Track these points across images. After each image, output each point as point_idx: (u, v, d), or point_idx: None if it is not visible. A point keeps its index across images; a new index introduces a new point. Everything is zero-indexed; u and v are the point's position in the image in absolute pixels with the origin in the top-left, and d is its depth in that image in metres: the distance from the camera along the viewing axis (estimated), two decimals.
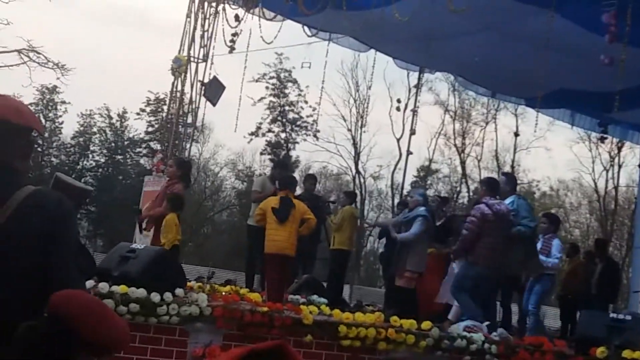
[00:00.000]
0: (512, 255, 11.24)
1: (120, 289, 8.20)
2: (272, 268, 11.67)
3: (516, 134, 41.05)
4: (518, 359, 9.86)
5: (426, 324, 10.01)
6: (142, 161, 48.08)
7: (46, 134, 47.40)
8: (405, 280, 11.94)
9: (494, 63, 14.36)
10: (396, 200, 41.25)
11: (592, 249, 16.18)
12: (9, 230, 2.62)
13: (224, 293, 10.43)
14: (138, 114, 48.60)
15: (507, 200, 11.33)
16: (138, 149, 50.09)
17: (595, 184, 44.21)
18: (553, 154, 64.14)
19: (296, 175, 35.97)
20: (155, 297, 8.32)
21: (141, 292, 8.25)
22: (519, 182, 44.84)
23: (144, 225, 12.04)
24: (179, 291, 8.61)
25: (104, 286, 8.12)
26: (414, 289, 11.97)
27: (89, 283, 7.91)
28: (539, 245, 12.34)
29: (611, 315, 10.09)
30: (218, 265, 38.33)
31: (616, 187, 42.87)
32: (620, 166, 41.85)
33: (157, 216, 11.45)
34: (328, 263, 15.18)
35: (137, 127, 49.68)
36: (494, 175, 36.58)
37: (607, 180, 43.31)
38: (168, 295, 8.41)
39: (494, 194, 11.15)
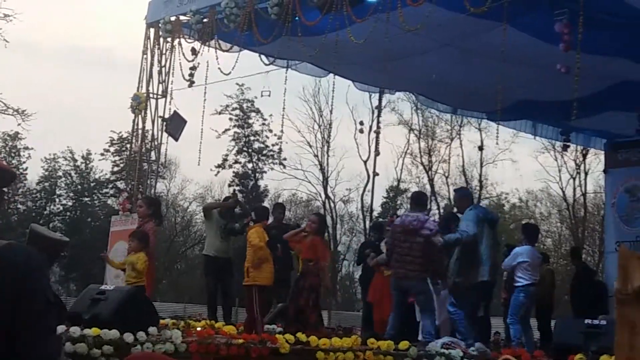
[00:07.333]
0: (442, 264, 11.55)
1: (92, 331, 8.12)
2: (263, 300, 11.89)
3: (480, 148, 41.24)
4: None
5: (403, 344, 10.00)
6: (109, 202, 47.80)
7: None
8: None
9: (452, 79, 14.44)
10: (367, 223, 41.31)
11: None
12: None
13: (198, 328, 10.37)
14: (102, 154, 48.48)
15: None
16: (105, 190, 49.84)
17: (564, 192, 44.54)
18: (519, 165, 64.36)
19: (266, 204, 35.95)
20: (129, 337, 8.24)
21: (114, 333, 8.18)
22: (487, 195, 45.16)
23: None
24: (152, 329, 8.53)
25: (75, 330, 8.03)
26: None
27: (60, 328, 7.81)
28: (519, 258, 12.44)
29: (586, 321, 10.09)
30: (194, 301, 38.08)
31: (584, 194, 43.18)
32: (586, 173, 42.22)
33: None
34: None
35: (103, 167, 49.54)
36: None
37: (574, 188, 43.66)
38: (141, 335, 8.34)
39: (418, 208, 11.77)
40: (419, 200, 12.24)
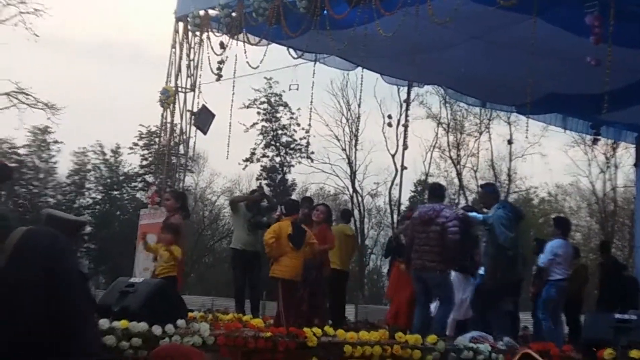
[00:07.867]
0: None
1: (121, 324, 8.15)
2: (286, 293, 11.78)
3: (509, 142, 40.91)
4: None
5: (431, 338, 9.96)
6: (138, 195, 48.02)
7: (41, 175, 47.38)
8: None
9: (481, 72, 14.37)
10: (395, 217, 41.22)
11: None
12: (10, 274, 2.57)
13: (226, 321, 10.39)
14: (131, 148, 48.64)
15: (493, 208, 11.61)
16: (134, 183, 50.06)
17: (593, 186, 44.25)
18: (549, 159, 64.15)
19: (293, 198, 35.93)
20: (157, 329, 8.26)
21: (142, 325, 8.20)
22: (516, 189, 44.90)
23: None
24: (181, 322, 8.55)
25: (104, 322, 8.06)
26: None
27: None
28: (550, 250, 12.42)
29: (616, 316, 10.02)
30: (221, 294, 38.20)
31: (614, 189, 42.87)
32: (616, 167, 41.90)
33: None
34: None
35: (132, 161, 49.72)
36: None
37: (604, 182, 43.35)
38: (170, 327, 8.36)
39: (435, 199, 11.83)
40: (436, 192, 12.23)
